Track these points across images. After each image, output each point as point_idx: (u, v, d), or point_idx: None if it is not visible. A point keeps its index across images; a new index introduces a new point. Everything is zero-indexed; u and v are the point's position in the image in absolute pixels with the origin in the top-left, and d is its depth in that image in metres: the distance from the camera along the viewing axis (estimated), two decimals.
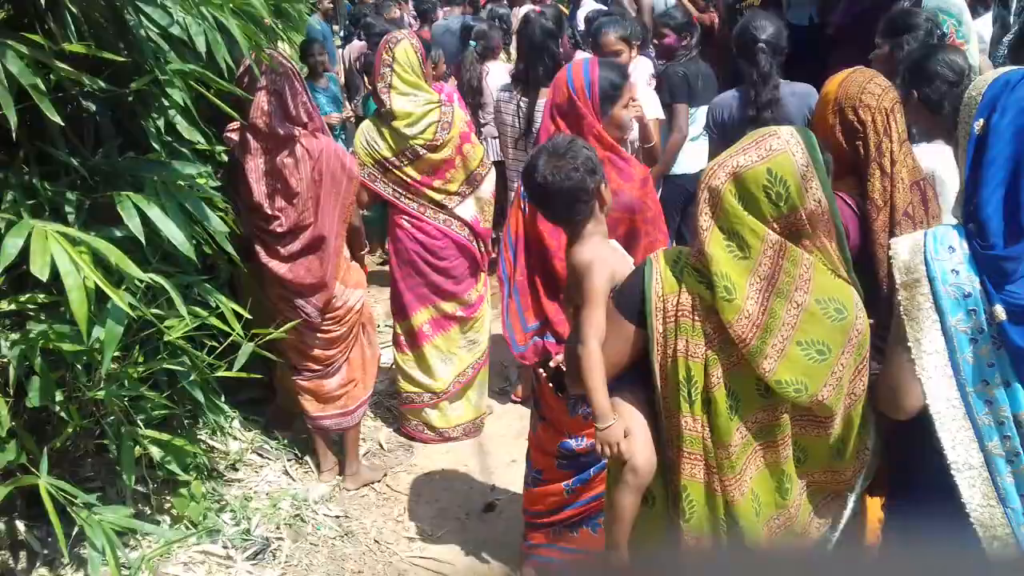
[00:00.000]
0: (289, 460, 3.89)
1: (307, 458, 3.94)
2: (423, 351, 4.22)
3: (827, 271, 1.88)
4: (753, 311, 1.82)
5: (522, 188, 2.33)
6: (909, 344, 1.87)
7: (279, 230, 3.44)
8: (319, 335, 3.67)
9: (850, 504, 2.09)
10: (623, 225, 2.77)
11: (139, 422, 2.89)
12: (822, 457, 2.01)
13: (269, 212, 3.41)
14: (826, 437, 1.96)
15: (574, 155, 2.18)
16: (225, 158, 3.52)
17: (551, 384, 2.86)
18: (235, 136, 3.41)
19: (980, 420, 1.84)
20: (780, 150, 1.81)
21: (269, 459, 3.81)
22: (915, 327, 1.85)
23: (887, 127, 2.45)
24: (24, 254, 2.27)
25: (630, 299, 1.99)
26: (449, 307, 4.19)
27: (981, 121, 1.83)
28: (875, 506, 2.94)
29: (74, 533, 2.67)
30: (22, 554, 2.82)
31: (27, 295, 2.51)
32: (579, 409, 2.99)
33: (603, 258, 2.18)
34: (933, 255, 1.84)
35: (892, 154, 2.43)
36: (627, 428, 1.98)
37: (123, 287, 2.51)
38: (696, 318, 1.89)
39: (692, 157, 4.76)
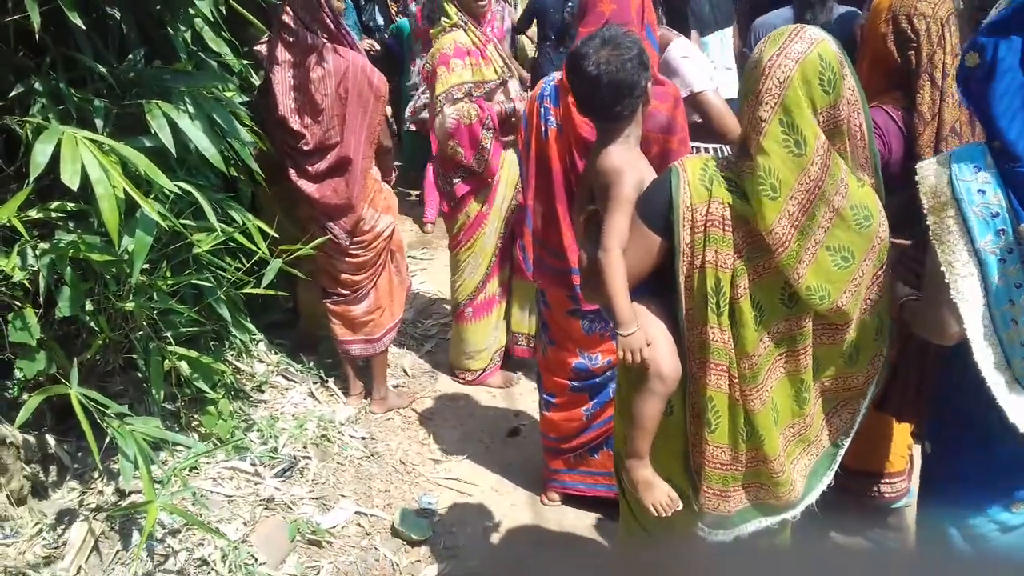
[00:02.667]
0: (315, 383, 3.90)
1: (331, 382, 3.96)
2: None
3: (854, 178, 1.86)
4: (794, 211, 1.80)
5: (565, 78, 2.21)
6: (943, 268, 1.83)
7: (305, 148, 3.40)
8: (347, 259, 3.64)
9: (862, 411, 2.10)
10: (657, 145, 2.73)
11: (168, 338, 2.89)
12: (835, 366, 2.01)
13: (295, 128, 3.36)
14: (840, 344, 1.97)
15: (629, 46, 2.07)
16: (253, 76, 3.47)
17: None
18: (264, 49, 3.35)
19: (1006, 338, 1.81)
20: (820, 38, 1.80)
21: (295, 382, 3.82)
22: (946, 251, 1.81)
23: (941, 37, 2.37)
24: (53, 162, 2.24)
25: (655, 208, 1.95)
26: None
27: (971, 53, 1.79)
28: (904, 432, 2.94)
29: (104, 446, 2.69)
30: (52, 468, 2.84)
31: (55, 203, 2.48)
32: (595, 327, 2.97)
33: (633, 164, 2.10)
34: (959, 176, 1.80)
35: (944, 66, 2.35)
36: (650, 336, 1.95)
37: (151, 197, 2.48)
38: (726, 227, 1.86)
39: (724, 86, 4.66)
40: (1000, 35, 1.76)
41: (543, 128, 2.89)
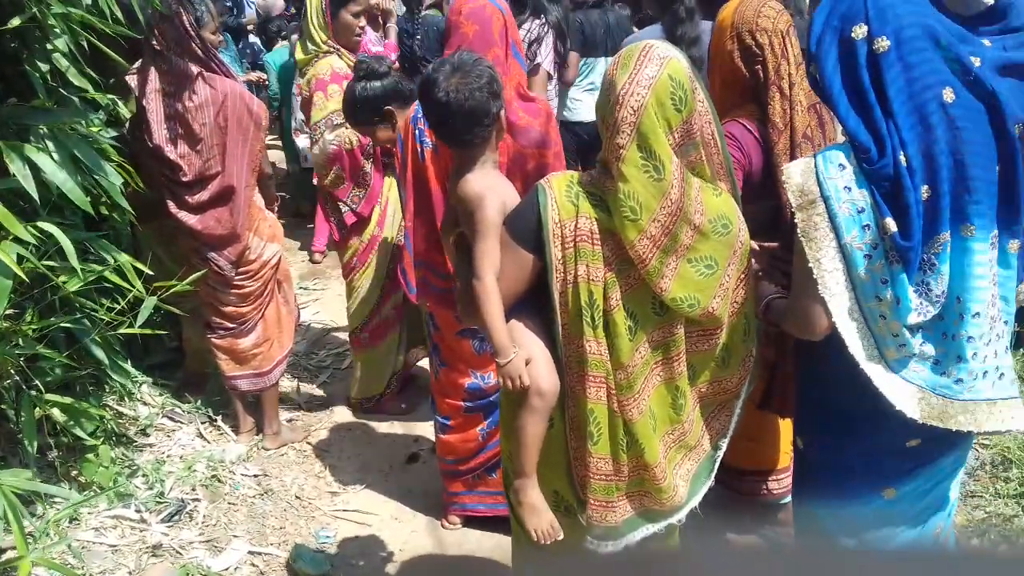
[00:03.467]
0: (203, 423, 3.79)
1: (220, 421, 3.85)
2: None
3: (709, 189, 1.93)
4: (656, 233, 1.85)
5: (418, 106, 2.23)
6: (810, 265, 1.91)
7: (184, 179, 3.32)
8: (232, 290, 3.57)
9: (736, 411, 2.17)
10: (533, 160, 2.77)
11: (38, 385, 2.76)
12: (709, 371, 2.08)
13: (172, 158, 3.28)
14: (712, 349, 2.03)
15: (479, 74, 2.09)
16: (122, 108, 3.37)
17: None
18: (134, 80, 3.27)
19: (877, 331, 1.90)
20: (668, 57, 1.85)
21: (182, 423, 3.71)
22: (814, 247, 1.89)
23: (784, 49, 2.48)
24: None
25: (525, 227, 1.98)
26: None
27: (812, 64, 1.90)
28: (788, 429, 3.04)
29: None
30: None
31: None
32: (485, 346, 2.99)
33: (494, 188, 2.11)
34: (825, 175, 1.87)
35: (790, 76, 2.47)
36: (529, 355, 1.97)
37: (11, 239, 2.38)
38: (595, 241, 1.90)
39: (589, 106, 4.79)
40: (823, 35, 1.86)
41: (419, 149, 2.89)
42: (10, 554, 2.62)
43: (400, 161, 2.97)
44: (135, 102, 3.32)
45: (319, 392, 4.41)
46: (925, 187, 1.82)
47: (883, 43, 1.80)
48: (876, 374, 1.91)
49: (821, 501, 2.26)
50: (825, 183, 1.86)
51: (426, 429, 3.98)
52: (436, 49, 5.43)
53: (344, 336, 4.80)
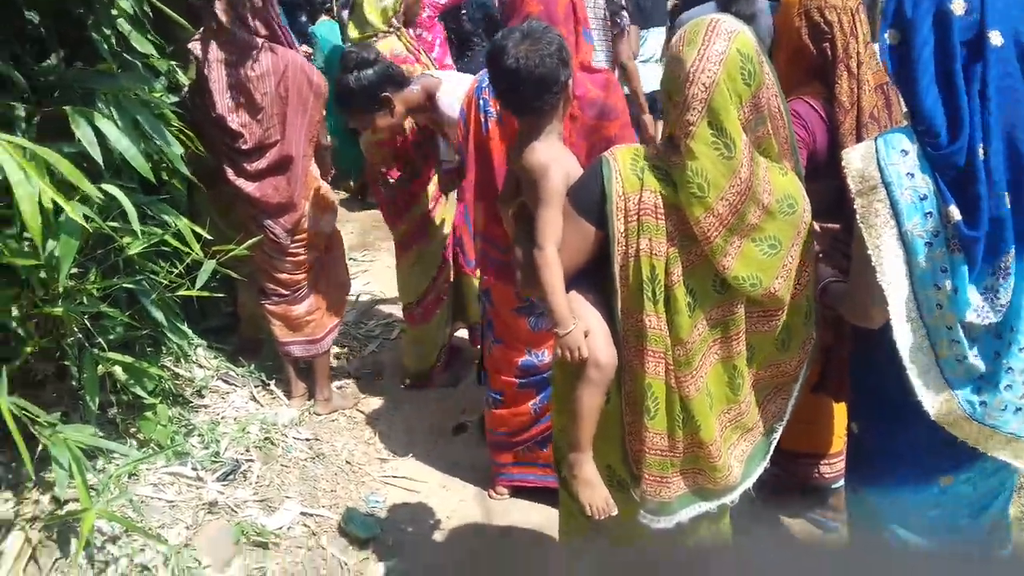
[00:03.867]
0: (256, 387, 3.86)
1: (274, 385, 3.92)
2: None
3: (776, 168, 1.90)
4: (723, 211, 1.82)
5: (487, 76, 2.20)
6: (869, 252, 1.87)
7: (244, 147, 3.36)
8: (287, 258, 3.61)
9: (794, 395, 2.15)
10: (598, 132, 2.75)
11: (101, 343, 2.83)
12: (768, 353, 2.05)
13: (233, 127, 3.32)
14: (773, 331, 2.01)
15: (549, 41, 2.07)
16: (181, 75, 3.42)
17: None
18: (197, 47, 3.30)
19: (931, 322, 1.86)
20: (736, 31, 1.81)
21: (236, 386, 3.78)
22: (874, 234, 1.85)
23: (853, 27, 2.43)
24: None
25: (588, 198, 1.96)
26: None
27: (891, 30, 1.82)
28: (842, 413, 3.01)
29: (37, 455, 2.62)
30: None
31: None
32: (541, 324, 2.99)
33: (559, 159, 2.10)
34: (887, 160, 1.83)
35: (858, 55, 2.42)
36: (587, 327, 1.97)
37: (78, 200, 2.43)
38: (659, 216, 1.88)
39: (643, 77, 4.77)
40: (913, 8, 1.79)
41: (483, 121, 2.88)
42: (72, 506, 2.71)
43: (462, 133, 2.96)
44: (195, 69, 3.36)
45: (369, 361, 4.46)
46: (1007, 195, 1.77)
47: (997, 38, 1.72)
48: (913, 367, 1.88)
49: (875, 487, 2.23)
50: (887, 169, 1.82)
51: (472, 401, 4.02)
52: (482, 23, 5.40)
53: (392, 307, 4.85)
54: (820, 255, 2.19)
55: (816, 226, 2.11)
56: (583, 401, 1.99)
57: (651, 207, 1.88)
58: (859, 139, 2.40)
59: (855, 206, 1.85)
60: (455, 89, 3.22)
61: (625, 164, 1.91)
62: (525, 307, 2.98)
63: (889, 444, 2.16)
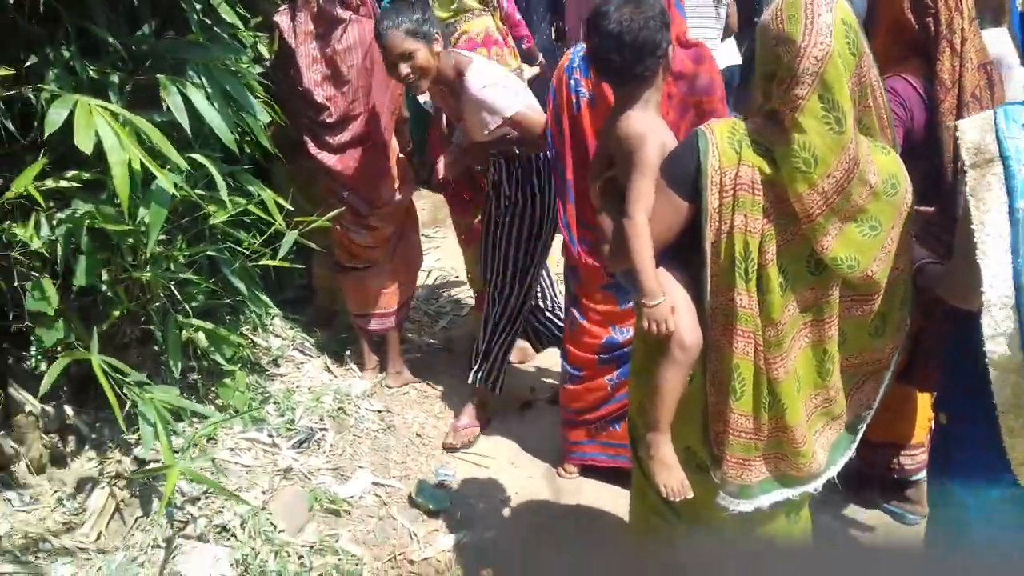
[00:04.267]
0: (330, 358, 3.91)
1: (347, 357, 3.97)
2: None
3: (877, 148, 1.84)
4: (829, 189, 1.76)
5: (585, 39, 2.16)
6: (973, 226, 1.80)
7: (329, 120, 3.39)
8: (365, 231, 3.64)
9: (885, 383, 2.08)
10: (695, 108, 2.71)
11: (185, 309, 2.90)
12: (861, 339, 1.99)
13: (318, 100, 3.36)
14: (867, 316, 1.94)
15: (651, 4, 2.03)
16: (264, 48, 3.45)
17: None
18: (284, 20, 3.34)
19: None
20: (834, 0, 1.75)
21: (310, 356, 3.84)
22: (981, 208, 1.78)
23: (958, 3, 2.33)
24: (67, 129, 2.24)
25: (682, 172, 1.92)
26: None
27: None
28: (925, 404, 2.92)
29: (123, 415, 2.70)
30: (70, 438, 2.87)
31: (71, 173, 2.48)
32: (631, 300, 2.96)
33: (656, 129, 2.05)
34: (1007, 133, 1.75)
35: (963, 32, 2.32)
36: (674, 304, 1.93)
37: (166, 168, 2.48)
38: (756, 192, 1.83)
39: (723, 53, 4.68)
40: None
41: (574, 101, 2.85)
42: (153, 465, 2.79)
43: (553, 114, 2.93)
44: (280, 42, 3.40)
45: (439, 336, 4.49)
46: None
47: None
48: (994, 351, 1.80)
49: (964, 479, 2.16)
50: (1005, 142, 1.74)
51: (540, 379, 4.01)
52: None
53: (462, 285, 4.85)
54: (913, 238, 2.12)
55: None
56: (664, 381, 1.96)
57: (748, 182, 1.83)
58: (959, 119, 2.30)
59: (967, 178, 1.77)
60: (483, 73, 3.10)
61: (723, 137, 1.86)
62: (613, 284, 2.95)
63: (983, 435, 2.08)
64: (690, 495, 2.01)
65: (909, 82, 2.41)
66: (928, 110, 2.39)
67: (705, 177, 1.85)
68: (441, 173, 3.27)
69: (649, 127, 2.04)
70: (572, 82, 2.84)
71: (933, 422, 2.88)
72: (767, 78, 1.80)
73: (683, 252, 1.96)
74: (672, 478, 2.01)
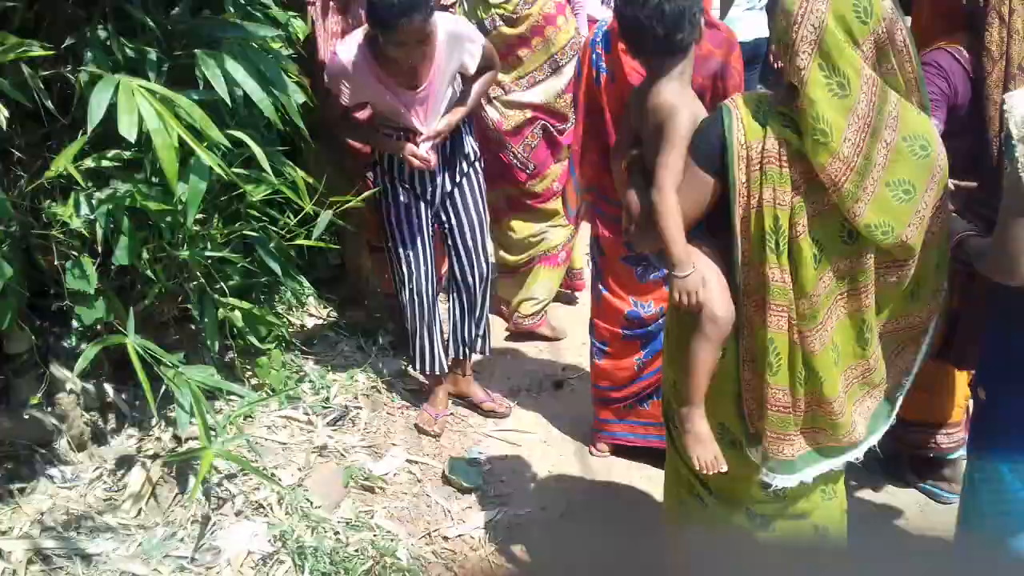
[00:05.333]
0: (363, 337, 3.93)
1: (380, 336, 3.98)
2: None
3: (910, 107, 1.81)
4: (848, 153, 1.75)
5: (618, 14, 2.14)
6: (1020, 201, 1.77)
7: None
8: None
9: (924, 347, 2.07)
10: (710, 92, 2.68)
11: (222, 288, 2.92)
12: (897, 304, 1.98)
13: None
14: (902, 281, 1.92)
15: None
16: (295, 28, 3.45)
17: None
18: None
19: None
20: None
21: (344, 335, 3.86)
22: None
23: None
24: (109, 111, 2.25)
25: (707, 148, 1.91)
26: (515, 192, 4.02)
27: None
28: (962, 382, 2.89)
29: (160, 394, 2.74)
30: (111, 416, 2.91)
31: (111, 153, 2.50)
32: (648, 273, 2.96)
33: (688, 102, 2.04)
34: None
35: (1011, 2, 2.27)
36: (704, 278, 1.92)
37: (204, 146, 2.49)
38: (783, 164, 1.82)
39: (747, 25, 4.62)
40: None
41: (595, 74, 2.85)
42: (190, 444, 2.82)
43: (575, 86, 2.93)
44: (310, 22, 3.39)
45: None
46: None
47: None
48: None
49: (1007, 456, 2.14)
50: None
51: (572, 358, 4.02)
52: None
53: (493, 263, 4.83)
54: (954, 213, 2.09)
55: (951, 183, 2.01)
56: (697, 355, 1.96)
57: (775, 155, 1.81)
58: (1006, 92, 2.26)
59: (1016, 152, 1.74)
60: (444, 16, 3.01)
61: (747, 111, 1.85)
62: (633, 256, 2.95)
63: (1020, 411, 2.07)
64: (724, 468, 2.02)
65: (953, 55, 2.37)
66: (974, 84, 2.35)
67: (731, 151, 1.84)
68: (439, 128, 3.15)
69: (680, 100, 2.02)
70: (594, 56, 2.85)
71: (971, 399, 2.87)
72: (779, 49, 1.80)
73: (712, 228, 1.95)
74: (707, 451, 2.02)
